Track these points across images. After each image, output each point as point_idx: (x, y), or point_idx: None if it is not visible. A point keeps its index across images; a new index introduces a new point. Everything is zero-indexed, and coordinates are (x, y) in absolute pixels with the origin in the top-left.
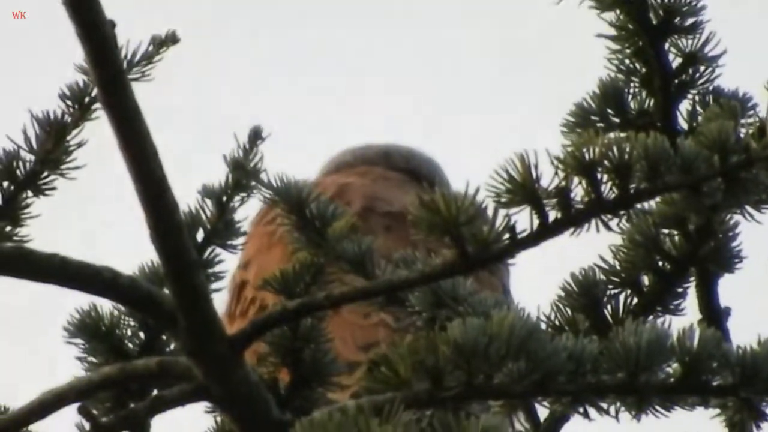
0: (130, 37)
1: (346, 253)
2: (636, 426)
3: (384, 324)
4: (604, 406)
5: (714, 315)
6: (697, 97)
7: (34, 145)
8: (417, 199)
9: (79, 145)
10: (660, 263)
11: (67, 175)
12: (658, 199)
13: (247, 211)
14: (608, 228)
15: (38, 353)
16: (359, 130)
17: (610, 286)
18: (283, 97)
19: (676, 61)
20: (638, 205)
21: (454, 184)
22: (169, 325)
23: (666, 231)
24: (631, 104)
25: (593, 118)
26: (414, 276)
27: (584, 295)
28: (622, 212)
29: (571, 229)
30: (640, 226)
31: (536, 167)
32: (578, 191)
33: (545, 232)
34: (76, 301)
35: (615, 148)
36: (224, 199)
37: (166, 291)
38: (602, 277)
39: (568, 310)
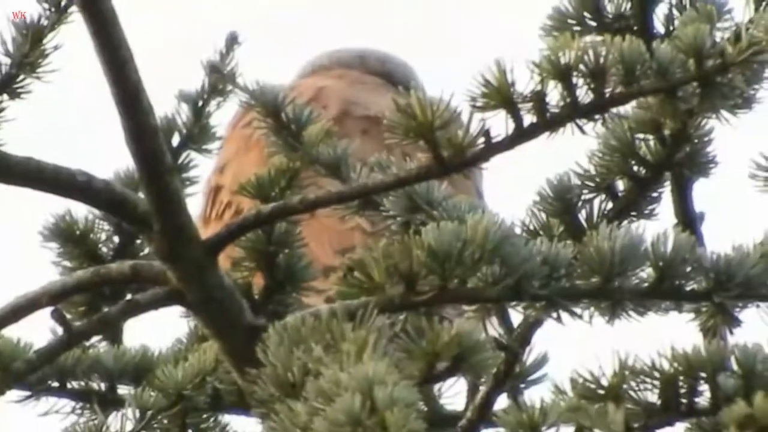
0: None
1: (321, 157)
2: (610, 330)
3: (360, 229)
4: (578, 311)
5: (688, 220)
6: (673, 1)
7: (10, 49)
8: (393, 104)
9: (56, 48)
10: (635, 168)
11: (43, 79)
12: (633, 103)
13: (223, 115)
14: (583, 132)
15: None
16: (336, 35)
17: (585, 191)
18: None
19: None
20: (614, 110)
21: (429, 88)
22: (143, 229)
23: (641, 136)
24: (608, 8)
25: (570, 21)
26: (389, 180)
27: (559, 199)
28: (597, 117)
29: (547, 134)
30: (615, 131)
31: (512, 71)
32: (554, 95)
33: (520, 136)
34: (51, 205)
35: (591, 52)
36: (200, 103)
37: (141, 195)
38: (577, 181)
39: (543, 215)
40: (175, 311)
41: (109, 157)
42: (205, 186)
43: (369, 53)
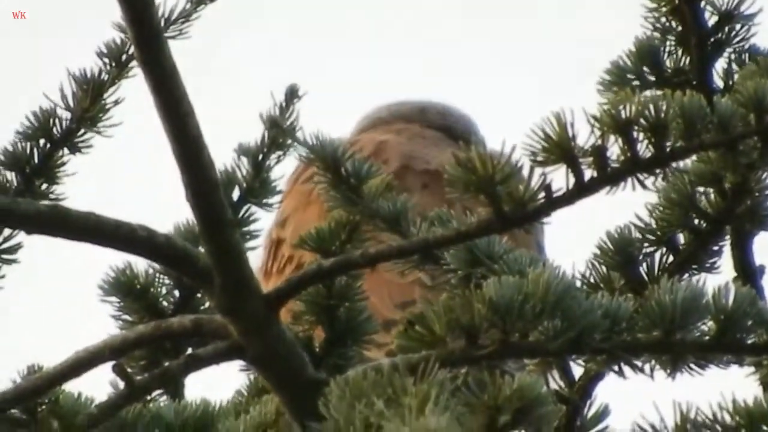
0: None
1: (381, 211)
2: (670, 384)
3: (420, 282)
4: (639, 364)
5: (749, 273)
6: (732, 56)
7: (71, 103)
8: (453, 158)
9: (116, 102)
10: (696, 221)
11: (104, 133)
12: (694, 157)
13: (283, 169)
14: (644, 186)
15: None
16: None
17: (646, 245)
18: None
19: (712, 20)
20: (674, 164)
21: (489, 141)
22: (204, 283)
23: (702, 189)
24: (667, 62)
25: (629, 76)
26: (449, 234)
27: (620, 253)
28: (658, 171)
29: (607, 188)
30: (676, 185)
31: (572, 126)
32: (614, 150)
33: (581, 190)
34: (111, 260)
35: (651, 107)
36: (260, 157)
37: (202, 249)
38: (638, 235)
39: (604, 268)
40: (236, 364)
41: (168, 210)
42: (265, 239)
43: (429, 106)
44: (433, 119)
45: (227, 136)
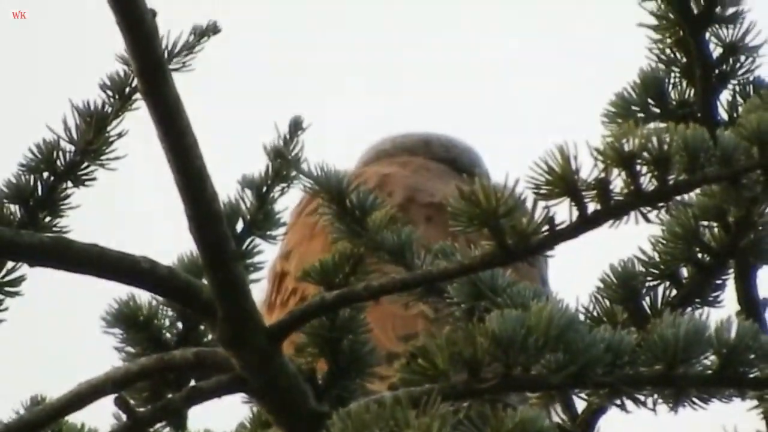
0: (171, 27)
1: (385, 243)
2: (673, 418)
3: (423, 315)
4: (642, 398)
5: (752, 307)
6: (737, 88)
7: (75, 136)
8: (457, 191)
9: (120, 135)
10: (699, 255)
11: (107, 166)
12: (697, 190)
13: (287, 201)
14: (647, 220)
15: None
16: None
17: (649, 278)
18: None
19: (716, 51)
20: (678, 197)
21: (493, 173)
22: (207, 316)
23: (705, 223)
24: (672, 94)
25: (634, 108)
26: (453, 267)
27: (623, 286)
28: (661, 204)
29: (611, 221)
30: (679, 218)
31: (576, 158)
32: (618, 183)
33: (584, 224)
34: (114, 292)
35: (654, 140)
36: (264, 189)
37: (205, 282)
38: (641, 268)
39: (607, 302)
40: (239, 397)
41: (172, 242)
42: (269, 272)
43: (434, 138)
44: (437, 152)
45: (230, 166)
